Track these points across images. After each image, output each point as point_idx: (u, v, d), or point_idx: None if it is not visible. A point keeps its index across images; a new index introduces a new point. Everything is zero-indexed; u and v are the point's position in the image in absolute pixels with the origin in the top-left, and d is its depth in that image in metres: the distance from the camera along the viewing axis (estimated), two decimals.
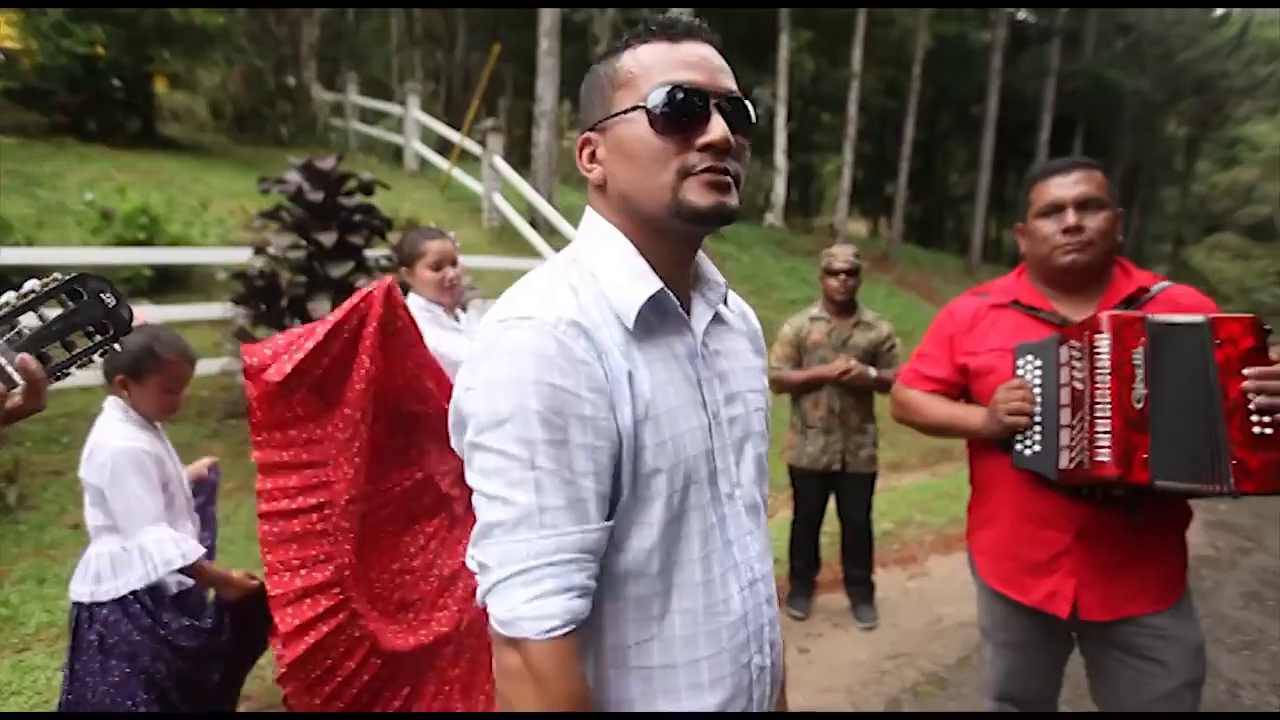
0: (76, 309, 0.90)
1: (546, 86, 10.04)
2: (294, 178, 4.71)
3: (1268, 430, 1.30)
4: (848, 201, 16.50)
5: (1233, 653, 3.11)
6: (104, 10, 8.08)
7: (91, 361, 0.94)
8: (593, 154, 0.87)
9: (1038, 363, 1.54)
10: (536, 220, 8.29)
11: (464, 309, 2.52)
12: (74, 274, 0.91)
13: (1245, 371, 1.32)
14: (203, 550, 1.90)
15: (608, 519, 0.78)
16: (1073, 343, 1.46)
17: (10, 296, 0.87)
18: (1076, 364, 1.44)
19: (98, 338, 0.92)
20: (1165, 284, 1.58)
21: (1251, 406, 1.30)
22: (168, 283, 5.92)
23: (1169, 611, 1.55)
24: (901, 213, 17.34)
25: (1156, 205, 28.88)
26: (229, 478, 4.82)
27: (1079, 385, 1.43)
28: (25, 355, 0.85)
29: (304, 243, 4.67)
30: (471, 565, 0.79)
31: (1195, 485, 1.34)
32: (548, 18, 9.93)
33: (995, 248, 26.64)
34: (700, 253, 0.91)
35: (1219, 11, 23.99)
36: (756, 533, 0.91)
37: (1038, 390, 1.52)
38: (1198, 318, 1.38)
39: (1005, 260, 24.59)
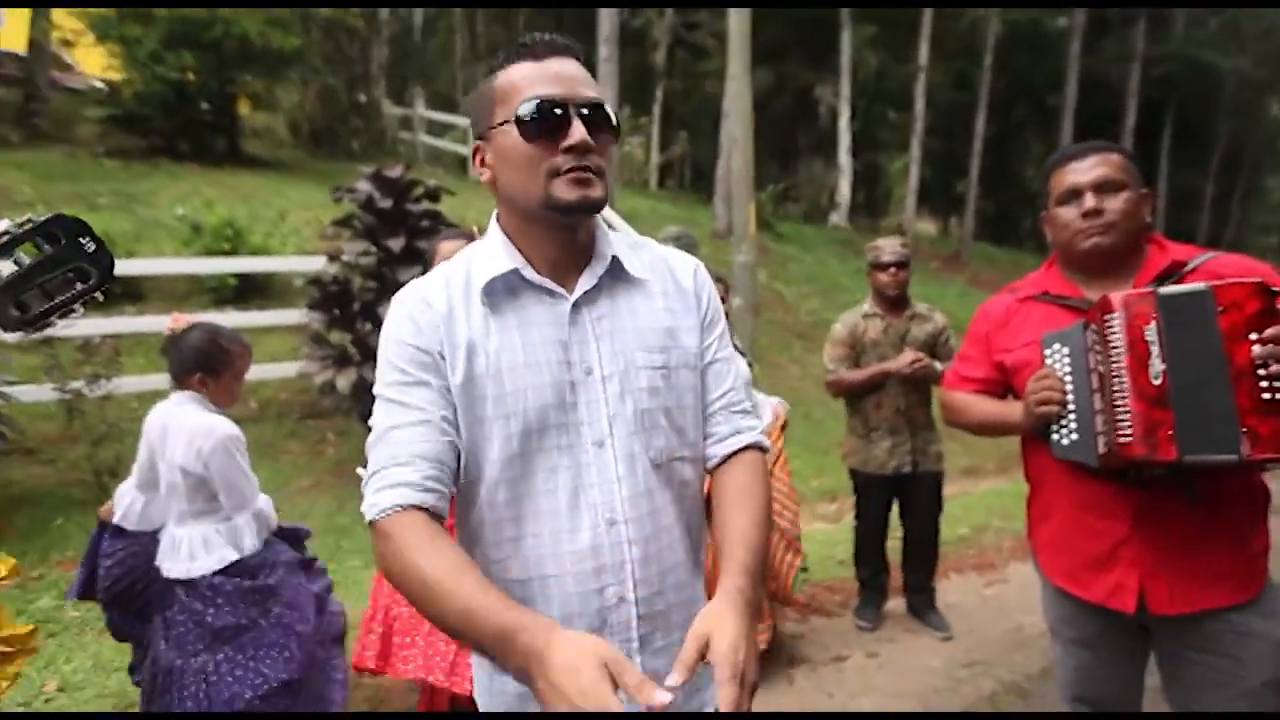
0: (54, 253, 0.83)
1: (605, 92, 10.12)
2: (364, 186, 4.89)
3: (1278, 395, 1.25)
4: (915, 200, 16.00)
5: None
6: (192, 37, 8.62)
7: (74, 311, 0.87)
8: (482, 160, 1.02)
9: (1065, 350, 1.52)
10: None
11: None
12: (49, 215, 0.84)
13: (1253, 336, 1.27)
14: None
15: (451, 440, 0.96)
16: (1093, 326, 1.44)
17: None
18: (1098, 347, 1.43)
19: (79, 285, 0.84)
20: (1207, 256, 1.52)
21: (1261, 372, 1.26)
22: (251, 290, 6.23)
23: (1248, 605, 1.45)
24: (973, 210, 16.71)
25: (1261, 194, 26.85)
26: (305, 475, 5.04)
27: (1102, 368, 1.41)
28: None
29: (374, 248, 4.83)
30: None
31: (1221, 456, 1.29)
32: (606, 25, 10.02)
33: None
34: (600, 232, 1.05)
35: None
36: (629, 480, 0.99)
37: (1068, 378, 1.50)
38: (1200, 286, 1.34)
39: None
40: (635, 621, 0.99)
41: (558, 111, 0.94)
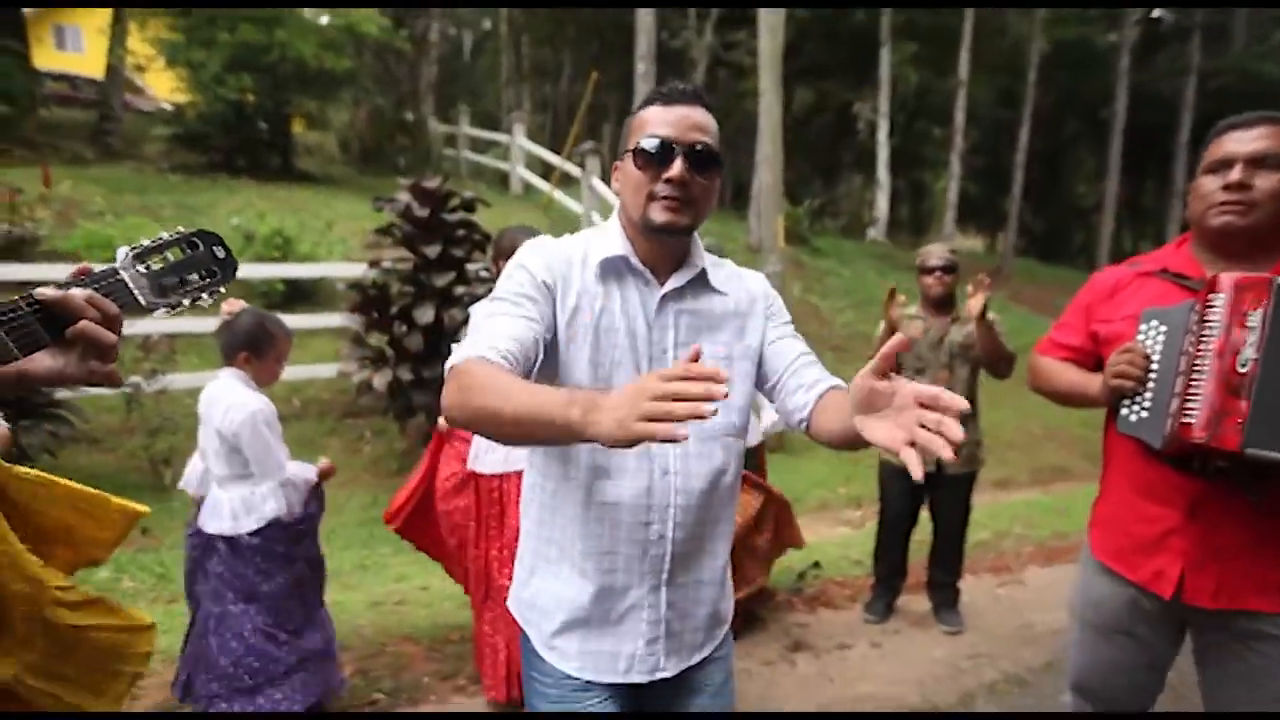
0: (194, 256, 1.08)
1: None
2: (403, 197, 5.15)
3: None
4: (954, 215, 15.82)
5: None
6: (252, 61, 9.15)
7: (200, 297, 1.10)
8: (617, 174, 1.22)
9: (1162, 328, 1.45)
10: None
11: None
12: (196, 229, 1.10)
13: None
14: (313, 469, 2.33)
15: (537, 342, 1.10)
16: (1198, 306, 1.38)
17: (145, 242, 1.05)
18: (1195, 328, 1.37)
19: (208, 280, 1.09)
20: None
21: None
22: (298, 295, 6.57)
23: None
24: (1016, 225, 16.44)
25: None
26: (343, 471, 5.26)
27: (1192, 349, 1.37)
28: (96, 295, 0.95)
29: (411, 255, 5.08)
30: None
31: None
32: (644, 43, 10.28)
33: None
34: (696, 246, 1.24)
35: None
36: (685, 444, 1.16)
37: (1157, 355, 1.44)
38: None
39: None
40: (669, 556, 1.18)
41: (665, 149, 1.12)
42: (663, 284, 1.20)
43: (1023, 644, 3.00)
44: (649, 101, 1.19)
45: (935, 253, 3.14)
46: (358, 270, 5.63)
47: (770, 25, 7.05)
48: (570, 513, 1.17)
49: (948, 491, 3.12)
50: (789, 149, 7.99)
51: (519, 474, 2.39)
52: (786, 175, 7.87)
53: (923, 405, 0.92)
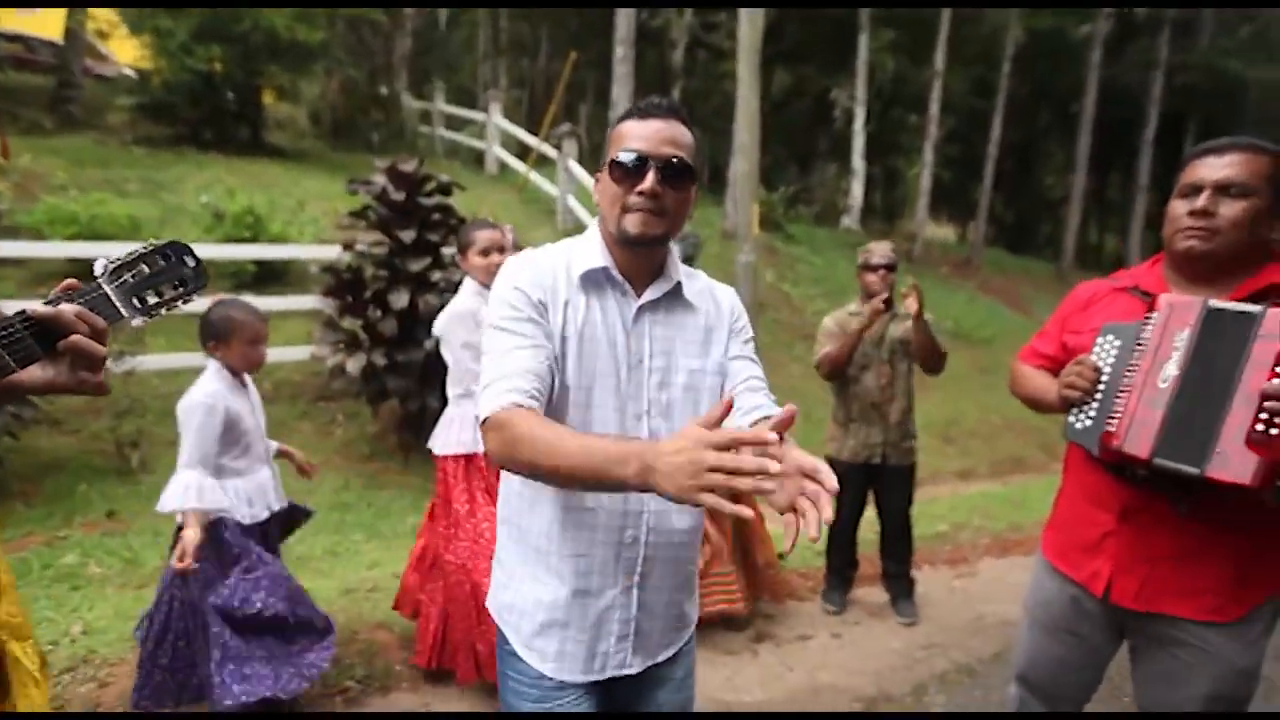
0: (166, 268, 1.14)
1: (622, 93, 10.30)
2: (379, 179, 5.10)
3: (1272, 430, 1.26)
4: (928, 204, 16.02)
5: None
6: (221, 30, 8.89)
7: (174, 306, 1.16)
8: (598, 186, 1.29)
9: (1116, 343, 1.53)
10: None
11: None
12: (167, 241, 1.15)
13: (1277, 370, 1.28)
14: (202, 508, 2.11)
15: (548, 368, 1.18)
16: (1143, 323, 1.48)
17: (122, 254, 1.11)
18: (1137, 345, 1.47)
19: (180, 289, 1.15)
20: None
21: (1265, 404, 1.27)
22: (269, 276, 6.48)
23: (1222, 627, 1.47)
24: (986, 216, 16.69)
25: None
26: (315, 454, 5.26)
27: (1133, 363, 1.47)
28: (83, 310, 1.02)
29: (386, 239, 5.04)
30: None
31: (1185, 467, 1.34)
32: (623, 25, 10.19)
33: (1095, 254, 25.10)
34: (673, 259, 1.31)
35: None
36: None
37: (1108, 368, 1.52)
38: (1255, 308, 1.34)
39: (1104, 267, 23.19)
40: (641, 559, 1.26)
41: (640, 162, 1.19)
42: (639, 295, 1.27)
43: (973, 635, 3.16)
44: (627, 115, 1.25)
45: (878, 251, 3.25)
46: (331, 253, 5.58)
47: (750, 15, 7.04)
48: (549, 517, 1.24)
49: (890, 483, 3.29)
50: (765, 134, 8.01)
51: (459, 456, 2.54)
52: (762, 161, 7.91)
53: (805, 475, 0.98)
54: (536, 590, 1.27)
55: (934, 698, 2.68)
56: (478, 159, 11.93)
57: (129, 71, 13.73)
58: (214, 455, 2.18)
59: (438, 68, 17.68)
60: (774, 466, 0.84)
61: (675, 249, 1.36)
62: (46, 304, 0.97)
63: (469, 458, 2.56)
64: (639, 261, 1.27)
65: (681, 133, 1.22)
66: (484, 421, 1.12)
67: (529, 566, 1.28)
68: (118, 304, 1.05)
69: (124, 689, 2.42)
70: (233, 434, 2.22)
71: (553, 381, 1.19)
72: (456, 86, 16.78)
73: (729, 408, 0.94)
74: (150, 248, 1.12)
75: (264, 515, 2.32)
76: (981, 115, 17.70)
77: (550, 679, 1.26)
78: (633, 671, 1.29)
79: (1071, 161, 18.19)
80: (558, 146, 9.22)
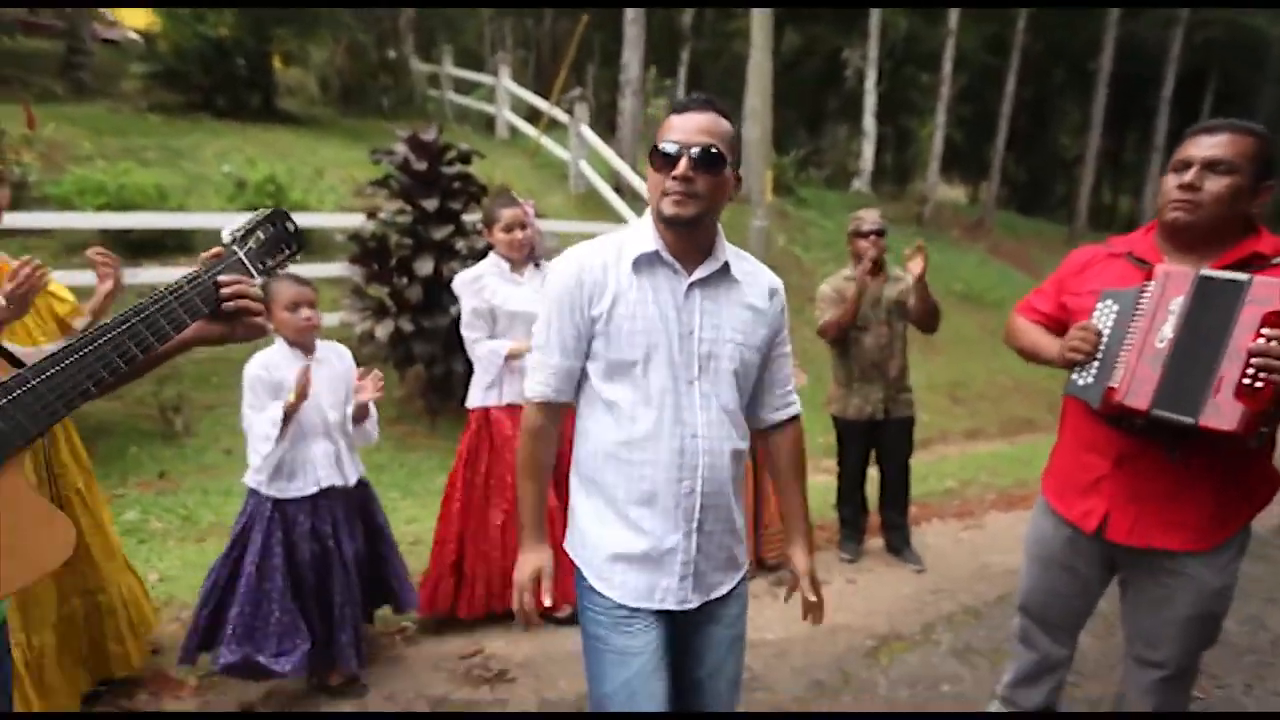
0: (275, 232, 1.30)
1: (632, 56, 10.25)
2: (401, 149, 5.20)
3: (1258, 384, 1.42)
4: (940, 165, 15.91)
5: None
6: None
7: (285, 266, 1.34)
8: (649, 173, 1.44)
9: (1115, 307, 1.67)
10: (621, 186, 8.60)
11: (536, 265, 2.91)
12: (272, 209, 1.32)
13: (1265, 332, 1.42)
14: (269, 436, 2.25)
15: (583, 361, 1.47)
16: (1141, 290, 1.62)
17: (240, 222, 1.27)
18: (1135, 309, 1.62)
19: (286, 251, 1.32)
20: None
21: (1253, 361, 1.42)
22: None
23: (1200, 554, 1.67)
24: (998, 177, 16.58)
25: None
26: None
27: (1131, 326, 1.61)
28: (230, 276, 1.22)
29: (409, 208, 5.17)
30: None
31: (1180, 417, 1.51)
32: None
33: (1109, 214, 24.87)
34: (720, 239, 1.47)
35: None
36: (705, 412, 1.44)
37: (1107, 331, 1.66)
38: (1240, 276, 1.48)
39: (1118, 228, 23.00)
40: (698, 507, 1.44)
41: (674, 151, 1.34)
42: (690, 274, 1.42)
43: (979, 581, 3.37)
44: (671, 109, 1.42)
45: (868, 218, 3.39)
46: (353, 220, 5.71)
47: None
48: (620, 473, 1.44)
49: (892, 435, 3.46)
50: (775, 96, 8.03)
51: (498, 407, 2.82)
52: (773, 125, 7.93)
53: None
54: (609, 533, 1.46)
55: (941, 635, 2.90)
56: (488, 123, 11.92)
57: (134, 35, 13.68)
58: (251, 420, 2.27)
59: (442, 28, 17.46)
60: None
61: (723, 233, 1.51)
62: (204, 272, 1.16)
63: (486, 411, 2.82)
64: (685, 243, 1.42)
65: (717, 123, 1.37)
66: (527, 410, 1.50)
67: (600, 514, 1.47)
68: (250, 266, 1.22)
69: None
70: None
71: (579, 375, 1.48)
72: (462, 48, 16.59)
73: None
74: (263, 216, 1.28)
75: (310, 490, 2.34)
76: (995, 72, 17.42)
77: (623, 607, 1.44)
78: (691, 606, 1.48)
79: (1087, 120, 17.97)
80: (569, 111, 9.23)
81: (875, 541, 3.73)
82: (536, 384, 1.48)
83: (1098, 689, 2.53)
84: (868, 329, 3.36)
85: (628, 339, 1.39)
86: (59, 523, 0.98)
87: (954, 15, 14.29)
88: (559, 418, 1.53)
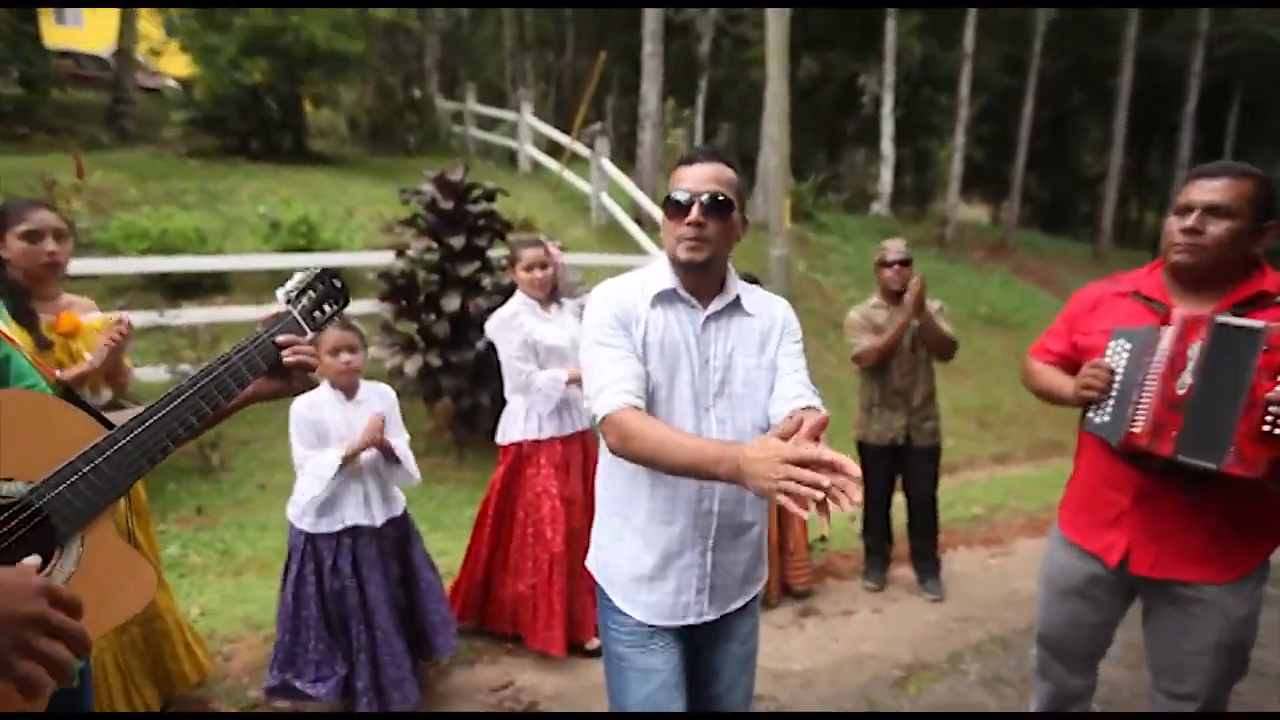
0: (324, 289, 1.39)
1: (650, 88, 10.47)
2: (428, 189, 5.38)
3: (1277, 430, 1.47)
4: (960, 186, 15.91)
5: None
6: (266, 44, 9.27)
7: (332, 321, 1.42)
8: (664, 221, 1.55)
9: (1128, 346, 1.73)
10: (641, 217, 8.74)
11: (559, 304, 3.00)
12: (320, 268, 1.41)
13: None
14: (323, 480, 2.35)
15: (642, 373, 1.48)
16: (1156, 333, 1.68)
17: (293, 282, 1.36)
18: (1151, 351, 1.67)
19: (334, 306, 1.41)
20: None
21: (1271, 409, 1.47)
22: None
23: (1224, 585, 1.71)
24: (1019, 197, 16.51)
25: None
26: None
27: (1148, 369, 1.66)
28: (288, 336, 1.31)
29: (437, 246, 5.33)
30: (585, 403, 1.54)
31: (1205, 463, 1.55)
32: (651, 20, 10.34)
33: (1134, 231, 24.58)
34: (732, 276, 1.58)
35: None
36: (721, 436, 1.49)
37: (1120, 370, 1.71)
38: (1259, 324, 1.53)
39: (1144, 245, 22.69)
40: (714, 527, 1.52)
41: (686, 199, 1.46)
42: (705, 307, 1.54)
43: (1008, 608, 3.34)
44: (684, 160, 1.54)
45: (893, 248, 3.44)
46: (383, 259, 5.89)
47: (776, 15, 7.17)
48: (643, 495, 1.52)
49: (915, 463, 3.47)
50: (793, 122, 8.13)
51: (515, 444, 2.90)
52: (791, 150, 8.03)
53: (834, 470, 1.10)
54: (632, 553, 1.54)
55: (969, 665, 2.89)
56: (510, 158, 12.20)
57: (171, 82, 14.29)
58: (304, 456, 2.38)
59: (465, 65, 17.98)
60: (825, 482, 1.07)
61: (734, 270, 1.60)
62: (265, 333, 1.26)
63: (519, 445, 2.90)
64: (699, 281, 1.54)
65: (723, 172, 1.49)
66: (603, 420, 1.43)
67: (625, 534, 1.55)
68: (304, 324, 1.32)
69: (245, 661, 2.74)
70: (320, 442, 2.38)
71: (648, 382, 1.48)
72: (484, 84, 17.06)
73: (799, 425, 1.17)
74: (313, 275, 1.39)
75: (336, 527, 2.39)
76: (1014, 93, 17.45)
77: (645, 625, 1.53)
78: (710, 619, 1.56)
79: (1109, 137, 17.86)
80: (590, 145, 9.44)
81: (899, 570, 3.72)
82: (621, 394, 1.42)
83: None
84: (892, 356, 3.41)
85: (655, 365, 1.50)
86: (142, 568, 1.06)
87: (969, 38, 14.38)
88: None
